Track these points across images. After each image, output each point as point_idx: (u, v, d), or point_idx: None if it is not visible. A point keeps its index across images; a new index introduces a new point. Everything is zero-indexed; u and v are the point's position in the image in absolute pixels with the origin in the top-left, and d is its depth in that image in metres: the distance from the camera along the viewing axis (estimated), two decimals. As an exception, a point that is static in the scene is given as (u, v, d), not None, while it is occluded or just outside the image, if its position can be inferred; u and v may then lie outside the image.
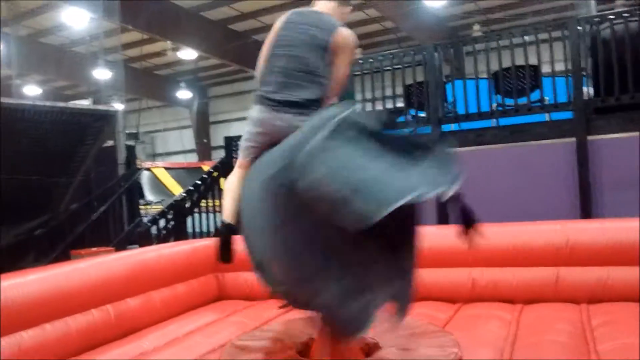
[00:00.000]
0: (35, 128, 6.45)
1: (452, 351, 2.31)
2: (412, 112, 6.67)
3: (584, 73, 5.68)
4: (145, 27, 13.58)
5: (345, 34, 2.64)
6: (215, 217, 7.12)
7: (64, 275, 3.53)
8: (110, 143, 7.69)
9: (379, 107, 6.70)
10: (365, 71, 6.72)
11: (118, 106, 10.09)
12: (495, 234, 4.07)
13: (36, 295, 3.21)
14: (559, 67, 5.77)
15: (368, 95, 6.68)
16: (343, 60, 2.61)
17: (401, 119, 6.74)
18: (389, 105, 6.59)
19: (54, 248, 6.73)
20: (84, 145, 7.16)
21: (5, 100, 6.83)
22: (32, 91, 19.32)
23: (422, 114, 6.52)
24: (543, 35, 5.89)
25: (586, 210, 5.28)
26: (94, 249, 6.32)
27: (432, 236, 4.18)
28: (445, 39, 14.49)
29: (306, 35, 2.63)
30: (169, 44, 15.81)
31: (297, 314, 3.41)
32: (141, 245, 5.64)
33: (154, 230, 6.30)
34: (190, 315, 4.12)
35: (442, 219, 5.75)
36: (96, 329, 3.45)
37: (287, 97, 2.56)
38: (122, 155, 7.76)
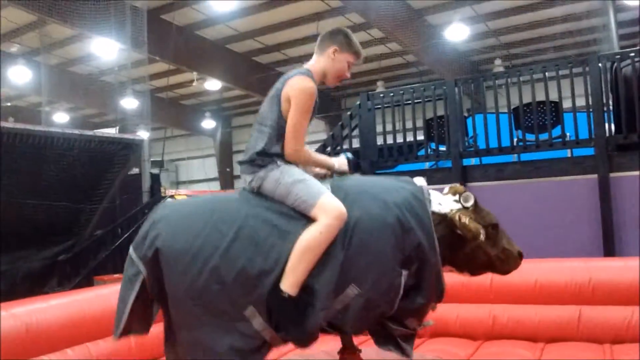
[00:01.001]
0: (63, 155, 6.61)
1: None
2: (433, 145, 6.70)
3: (605, 109, 5.67)
4: (172, 58, 13.91)
5: (296, 80, 2.54)
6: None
7: (87, 300, 3.60)
8: (135, 171, 7.82)
9: (399, 140, 6.75)
10: (386, 104, 6.80)
11: (144, 135, 10.28)
12: (516, 270, 4.05)
13: (59, 320, 3.27)
14: (580, 103, 5.78)
15: (389, 128, 6.73)
16: (293, 107, 2.50)
17: (421, 152, 6.78)
18: (410, 138, 6.62)
19: (77, 273, 6.81)
20: (110, 173, 7.30)
21: (35, 127, 7.03)
22: (60, 118, 19.78)
23: (443, 148, 6.55)
24: (564, 71, 5.92)
25: (609, 247, 5.22)
26: (116, 275, 6.38)
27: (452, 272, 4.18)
28: (466, 73, 14.58)
29: (271, 90, 2.65)
30: (194, 74, 16.14)
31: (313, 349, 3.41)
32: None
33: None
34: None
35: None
36: (117, 355, 3.48)
37: (243, 157, 2.62)
38: (146, 183, 7.88)
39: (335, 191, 2.44)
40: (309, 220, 2.35)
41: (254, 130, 2.63)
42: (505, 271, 2.65)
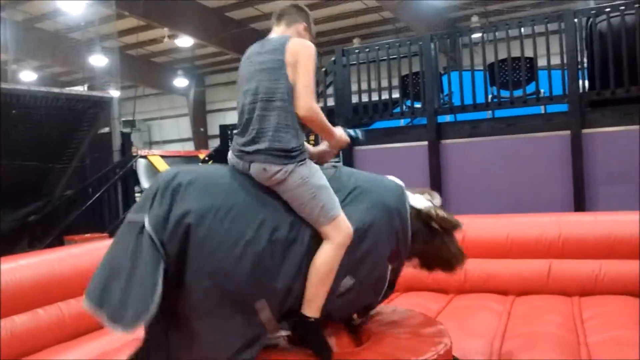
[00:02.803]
0: (30, 114, 6.42)
1: (442, 340, 2.33)
2: (408, 102, 6.66)
3: (580, 66, 5.68)
4: (142, 13, 13.50)
5: (299, 42, 2.41)
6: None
7: (58, 260, 3.55)
8: (105, 130, 7.66)
9: (374, 97, 6.69)
10: (361, 61, 6.71)
11: (114, 93, 10.04)
12: (488, 225, 4.11)
13: (29, 280, 3.23)
14: (555, 60, 5.78)
15: (364, 86, 6.66)
16: (304, 66, 2.35)
17: (397, 109, 6.74)
18: (385, 95, 6.56)
19: (48, 234, 6.72)
20: (79, 132, 7.14)
21: (2, 84, 6.80)
22: (28, 77, 19.21)
23: (418, 105, 6.52)
24: (540, 28, 5.88)
25: (580, 203, 5.31)
26: (87, 235, 6.31)
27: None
28: (443, 29, 14.46)
29: (259, 64, 2.45)
30: (165, 31, 15.72)
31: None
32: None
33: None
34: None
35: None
36: (89, 315, 3.45)
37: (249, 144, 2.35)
38: (117, 143, 7.73)
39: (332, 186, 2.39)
40: (314, 230, 2.29)
41: (254, 107, 2.36)
42: (455, 269, 2.73)
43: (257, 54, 2.47)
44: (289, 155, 2.26)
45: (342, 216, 2.29)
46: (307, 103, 2.31)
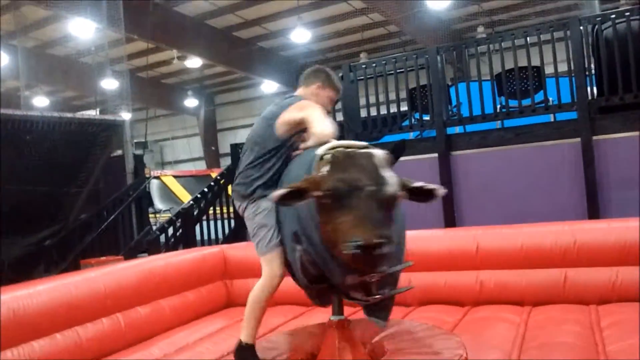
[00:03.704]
0: (44, 139, 6.52)
1: (458, 353, 2.32)
2: (417, 115, 6.68)
3: (587, 73, 5.67)
4: (150, 36, 13.67)
5: (299, 102, 2.72)
6: (223, 223, 7.15)
7: (74, 285, 3.58)
8: (118, 152, 7.74)
9: (383, 111, 6.72)
10: (369, 75, 6.75)
11: (125, 116, 10.14)
12: (502, 235, 4.09)
13: (47, 305, 3.25)
14: (562, 67, 5.77)
15: (372, 100, 6.69)
16: (310, 116, 2.56)
17: (406, 122, 6.76)
18: (393, 109, 6.59)
19: (64, 258, 6.77)
20: (92, 155, 7.22)
21: (14, 112, 6.91)
22: (40, 102, 19.46)
23: (427, 117, 6.53)
24: (546, 36, 5.90)
25: (593, 210, 5.27)
26: (103, 258, 6.36)
27: (439, 240, 4.21)
28: (449, 41, 14.49)
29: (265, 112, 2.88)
30: (174, 52, 15.90)
31: (304, 322, 3.43)
32: (150, 253, 5.68)
33: (163, 238, 6.34)
34: (200, 322, 4.15)
35: (449, 223, 5.77)
36: (106, 338, 3.49)
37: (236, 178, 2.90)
38: (130, 165, 7.80)
39: None
40: None
41: (246, 147, 2.83)
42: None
43: (271, 104, 2.89)
44: (245, 195, 2.73)
45: (273, 255, 2.67)
46: (320, 130, 2.49)
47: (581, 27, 5.64)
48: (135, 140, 10.59)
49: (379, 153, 2.15)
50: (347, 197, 2.00)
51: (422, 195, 2.15)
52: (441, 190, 2.15)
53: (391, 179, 2.06)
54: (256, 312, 2.75)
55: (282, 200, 2.12)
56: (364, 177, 2.04)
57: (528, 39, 5.91)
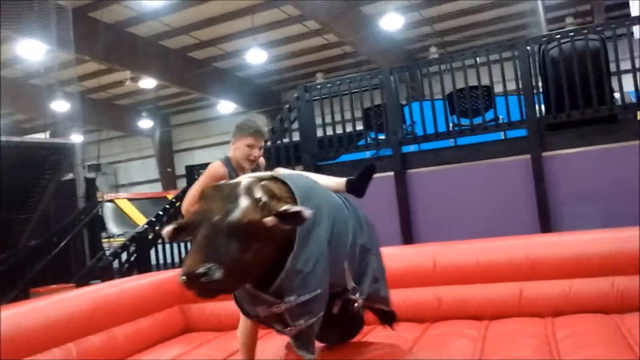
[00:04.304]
0: (-9, 164, 6.29)
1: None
2: (372, 134, 6.75)
3: (536, 91, 5.87)
4: (102, 57, 13.47)
5: (210, 165, 3.07)
6: (180, 246, 7.01)
7: (23, 315, 3.43)
8: (69, 176, 7.53)
9: (339, 131, 6.77)
10: (324, 96, 6.80)
11: (77, 138, 9.92)
12: (458, 251, 4.14)
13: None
14: (512, 86, 5.96)
15: (328, 119, 6.74)
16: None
17: (361, 142, 6.83)
18: (349, 129, 6.65)
19: (13, 286, 6.51)
20: (42, 179, 7.01)
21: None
22: (-13, 125, 18.84)
23: (382, 137, 6.61)
24: (495, 56, 6.08)
25: (545, 224, 5.42)
26: (54, 286, 6.14)
27: (396, 257, 4.22)
28: (403, 61, 14.80)
29: None
30: (127, 73, 15.68)
31: (265, 343, 3.38)
32: (104, 279, 5.53)
33: (116, 263, 6.18)
34: (157, 349, 4.02)
35: (406, 240, 5.82)
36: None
37: None
38: (81, 188, 7.60)
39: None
40: None
41: None
42: None
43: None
44: None
45: None
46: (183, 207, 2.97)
47: (528, 47, 5.85)
48: (88, 163, 10.35)
49: (245, 182, 2.24)
50: (197, 229, 2.10)
51: (290, 218, 2.17)
52: (307, 212, 2.17)
53: (242, 207, 2.11)
54: (244, 350, 2.86)
55: (170, 237, 2.23)
56: (215, 207, 2.13)
57: (478, 59, 6.08)
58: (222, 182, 2.40)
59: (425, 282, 4.03)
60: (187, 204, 2.89)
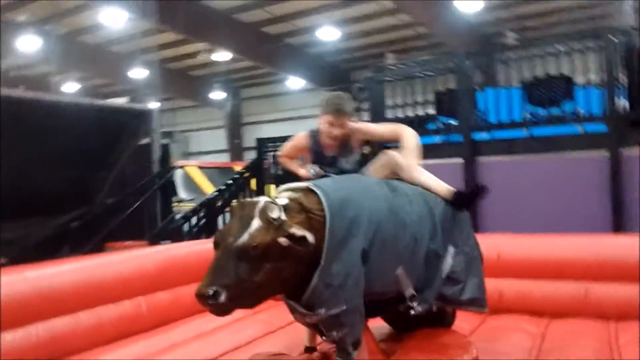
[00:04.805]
0: (74, 124, 6.61)
1: (468, 351, 2.35)
2: (443, 119, 6.67)
3: (618, 84, 5.60)
4: (181, 28, 13.81)
5: None
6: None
7: (99, 266, 3.67)
8: (146, 141, 7.83)
9: (409, 113, 6.72)
10: (396, 77, 6.75)
11: (153, 105, 10.26)
12: (524, 245, 4.07)
13: (71, 284, 3.34)
14: (594, 78, 5.72)
15: (399, 101, 6.70)
16: None
17: (431, 125, 6.75)
18: (420, 111, 6.58)
19: (89, 240, 6.88)
20: (120, 142, 7.31)
21: (46, 95, 7.02)
22: (70, 88, 19.80)
23: (453, 122, 6.51)
24: (577, 45, 5.84)
25: (618, 224, 5.21)
26: (128, 242, 6.45)
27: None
28: (478, 45, 14.37)
29: None
30: (203, 45, 16.04)
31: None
32: (173, 241, 5.76)
33: (186, 227, 6.43)
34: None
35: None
36: (128, 320, 3.56)
37: None
38: (157, 153, 7.89)
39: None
40: None
41: None
42: None
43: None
44: None
45: None
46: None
47: (613, 38, 5.57)
48: (161, 130, 10.70)
49: (262, 202, 2.25)
50: (216, 248, 2.23)
51: (299, 241, 2.19)
52: (311, 238, 2.20)
53: (252, 230, 2.16)
54: (306, 334, 2.84)
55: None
56: (232, 228, 2.21)
57: (558, 47, 5.85)
58: (247, 200, 2.40)
59: (488, 273, 3.95)
60: (283, 158, 3.18)
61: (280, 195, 2.44)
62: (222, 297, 2.09)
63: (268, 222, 2.18)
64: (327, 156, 2.91)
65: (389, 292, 2.56)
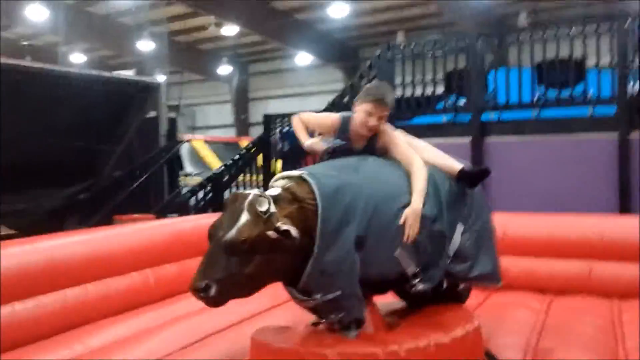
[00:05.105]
0: (82, 95, 6.63)
1: (471, 322, 2.39)
2: (452, 98, 6.63)
3: (632, 67, 5.56)
4: (190, 1, 13.72)
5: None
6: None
7: (107, 238, 3.71)
8: (152, 114, 7.84)
9: (418, 92, 6.69)
10: (407, 56, 6.70)
11: (160, 78, 10.25)
12: (529, 223, 4.10)
13: (80, 255, 3.37)
14: (606, 61, 5.66)
15: (408, 80, 6.66)
16: None
17: (440, 105, 6.72)
18: (429, 90, 6.55)
19: (97, 212, 6.94)
20: (127, 115, 7.33)
21: (53, 67, 7.02)
22: (77, 59, 19.74)
23: (462, 102, 6.48)
24: (590, 28, 5.77)
25: (625, 206, 5.22)
26: (135, 215, 6.51)
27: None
28: (490, 26, 14.22)
29: None
30: (212, 18, 15.94)
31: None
32: (180, 214, 5.81)
33: (192, 201, 6.47)
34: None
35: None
36: (136, 292, 3.60)
37: None
38: (164, 127, 7.91)
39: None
40: None
41: None
42: None
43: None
44: None
45: None
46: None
47: (628, 22, 5.51)
48: (168, 104, 10.70)
49: (252, 196, 2.24)
50: (210, 241, 2.25)
51: (285, 234, 2.19)
52: (295, 232, 2.19)
53: (240, 225, 2.16)
54: None
55: None
56: (224, 221, 2.22)
57: (572, 30, 5.79)
58: (241, 191, 2.38)
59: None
60: (297, 121, 2.94)
61: (275, 184, 2.43)
62: (213, 291, 2.15)
63: (256, 216, 2.19)
64: (350, 147, 2.79)
65: (390, 273, 2.58)
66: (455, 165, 2.81)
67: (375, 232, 2.43)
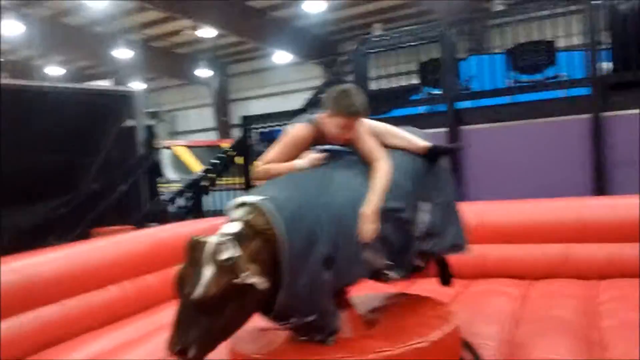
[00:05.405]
0: (56, 109, 6.58)
1: (448, 322, 2.40)
2: (427, 89, 6.65)
3: (602, 47, 5.59)
4: (164, 6, 13.62)
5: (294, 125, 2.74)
6: (233, 195, 7.23)
7: (85, 253, 3.68)
8: (130, 123, 7.78)
9: (394, 84, 6.70)
10: (381, 48, 6.71)
11: (139, 85, 10.18)
12: (506, 210, 4.12)
13: (57, 272, 3.35)
14: (578, 42, 5.70)
15: (383, 72, 6.67)
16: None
17: (416, 96, 6.74)
18: (404, 82, 6.56)
19: (75, 226, 6.88)
20: (104, 125, 7.28)
21: (28, 82, 6.95)
22: (54, 71, 19.57)
23: (438, 92, 6.50)
24: (561, 9, 5.81)
25: (600, 187, 5.26)
26: (113, 227, 6.46)
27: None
28: (466, 12, 14.23)
29: None
30: (187, 22, 15.84)
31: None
32: (160, 223, 5.78)
33: (173, 208, 6.44)
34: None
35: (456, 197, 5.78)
36: (115, 305, 3.58)
37: None
38: (141, 135, 7.85)
39: None
40: None
41: None
42: None
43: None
44: None
45: None
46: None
47: (596, 1, 5.54)
48: (148, 110, 10.61)
49: (210, 245, 2.12)
50: (179, 291, 2.12)
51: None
52: (262, 283, 2.13)
53: (204, 280, 2.06)
54: None
55: None
56: (188, 275, 2.10)
57: (541, 12, 5.82)
58: (202, 237, 2.17)
59: (471, 239, 4.01)
60: (262, 171, 2.64)
61: (234, 215, 2.30)
62: (192, 352, 2.09)
63: (220, 267, 2.09)
64: (333, 145, 2.66)
65: (362, 274, 2.55)
66: (420, 143, 2.78)
67: (343, 244, 2.37)
